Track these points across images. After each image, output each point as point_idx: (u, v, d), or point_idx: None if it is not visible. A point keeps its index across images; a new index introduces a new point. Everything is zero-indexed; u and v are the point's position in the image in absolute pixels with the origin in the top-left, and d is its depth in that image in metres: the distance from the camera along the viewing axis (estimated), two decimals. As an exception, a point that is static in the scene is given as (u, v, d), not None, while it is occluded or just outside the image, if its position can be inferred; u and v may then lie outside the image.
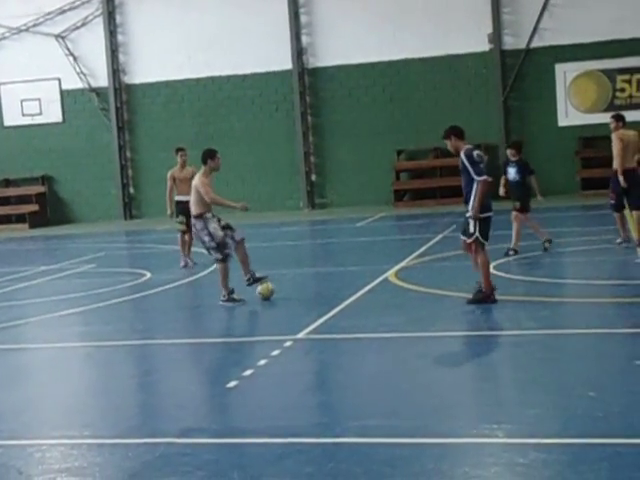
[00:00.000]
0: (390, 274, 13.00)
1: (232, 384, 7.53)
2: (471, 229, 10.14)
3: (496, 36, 26.86)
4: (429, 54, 27.22)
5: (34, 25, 29.36)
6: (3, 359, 9.66)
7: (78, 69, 29.32)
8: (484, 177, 10.04)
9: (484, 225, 10.17)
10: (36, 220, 29.15)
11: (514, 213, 14.32)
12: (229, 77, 28.56)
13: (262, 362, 8.20)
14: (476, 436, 5.93)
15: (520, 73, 26.93)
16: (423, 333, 9.20)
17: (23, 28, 29.40)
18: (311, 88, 28.34)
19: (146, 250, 19.73)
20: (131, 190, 29.53)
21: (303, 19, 28.15)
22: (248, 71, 28.29)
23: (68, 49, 29.25)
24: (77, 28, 29.32)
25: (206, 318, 11.26)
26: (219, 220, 11.63)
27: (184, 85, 28.82)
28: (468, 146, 10.35)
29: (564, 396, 6.67)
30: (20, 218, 29.40)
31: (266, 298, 11.53)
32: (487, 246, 10.33)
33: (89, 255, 17.87)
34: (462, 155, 10.20)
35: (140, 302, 12.45)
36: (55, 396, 7.93)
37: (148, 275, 14.70)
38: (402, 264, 14.06)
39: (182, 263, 15.50)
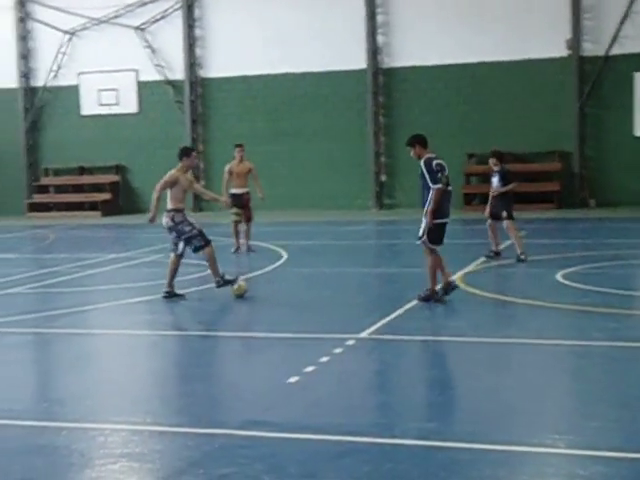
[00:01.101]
0: (456, 278, 12.91)
1: (293, 379, 7.57)
2: (420, 232, 10.91)
3: (575, 42, 26.48)
4: (505, 58, 26.94)
5: (115, 17, 29.84)
6: (70, 344, 9.86)
7: (156, 61, 29.72)
8: (438, 185, 10.75)
9: (437, 230, 10.87)
10: (109, 208, 29.64)
11: (506, 222, 14.63)
12: (304, 74, 28.65)
13: (324, 359, 8.23)
14: (536, 445, 5.87)
15: (598, 80, 26.50)
16: (485, 339, 9.14)
17: (104, 19, 29.92)
18: (384, 88, 28.29)
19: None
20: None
21: (379, 18, 28.10)
22: (323, 69, 28.35)
23: (147, 41, 29.66)
24: (156, 21, 29.71)
25: (269, 312, 11.33)
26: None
27: (259, 80, 28.99)
28: (430, 155, 11.03)
29: (628, 410, 6.57)
30: (93, 206, 29.92)
31: (240, 296, 11.86)
32: (438, 249, 10.98)
33: (159, 245, 18.11)
34: (422, 163, 10.93)
35: (206, 293, 12.58)
36: (119, 382, 8.07)
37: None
38: (469, 268, 13.96)
39: (234, 248, 16.83)
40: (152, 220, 12.37)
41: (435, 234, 10.90)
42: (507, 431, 6.18)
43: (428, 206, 10.82)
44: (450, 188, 11.15)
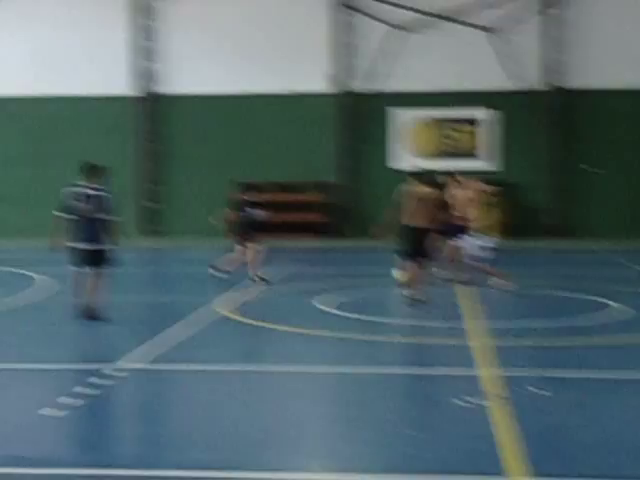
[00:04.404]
0: (221, 307, 12.86)
1: (47, 411, 7.19)
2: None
3: (335, 77, 27.39)
4: (273, 91, 27.45)
5: None
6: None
7: None
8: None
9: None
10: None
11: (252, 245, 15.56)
12: (67, 98, 27.87)
13: (79, 389, 7.88)
14: (295, 470, 5.87)
15: (358, 115, 27.52)
16: (242, 367, 9.12)
17: None
18: (154, 114, 28.01)
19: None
20: None
21: (147, 45, 27.86)
22: (88, 93, 27.70)
23: None
24: None
25: (18, 342, 10.76)
26: None
27: (15, 102, 27.90)
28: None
29: (383, 433, 6.72)
30: None
31: None
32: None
33: None
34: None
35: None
36: None
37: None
38: (228, 295, 13.94)
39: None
40: None
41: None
42: (266, 457, 6.14)
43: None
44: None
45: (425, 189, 13.20)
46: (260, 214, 16.01)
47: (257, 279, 15.53)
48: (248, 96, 27.51)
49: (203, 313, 12.30)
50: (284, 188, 27.47)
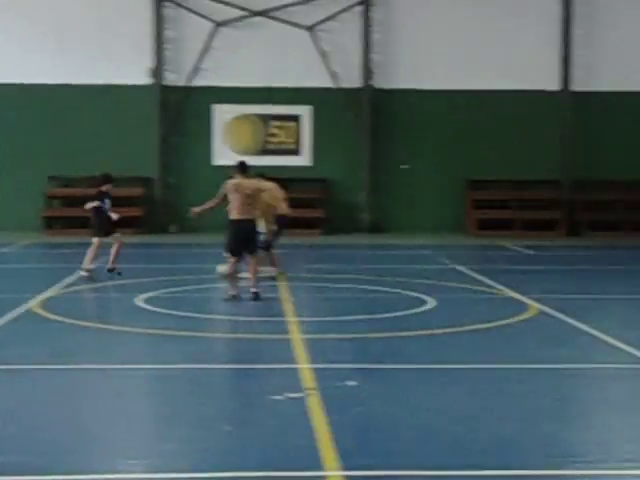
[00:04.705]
0: (34, 304, 12.51)
1: None
2: None
3: (157, 71, 27.08)
4: (90, 81, 26.80)
5: None
6: None
7: None
8: None
9: None
10: None
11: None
12: None
13: None
14: (111, 472, 5.82)
15: (180, 110, 27.32)
16: (64, 366, 8.93)
17: None
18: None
19: None
20: None
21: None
22: None
23: None
24: None
25: None
26: None
27: None
28: None
29: (202, 430, 6.75)
30: None
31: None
32: None
33: None
34: None
35: None
36: None
37: None
38: (48, 294, 13.60)
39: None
40: None
41: None
42: (83, 459, 6.05)
43: None
44: None
45: (254, 183, 13.30)
46: (112, 215, 15.60)
47: (87, 274, 15.27)
48: (66, 87, 26.75)
49: (12, 310, 11.92)
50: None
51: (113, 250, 15.66)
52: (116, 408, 7.44)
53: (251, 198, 13.04)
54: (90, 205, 15.65)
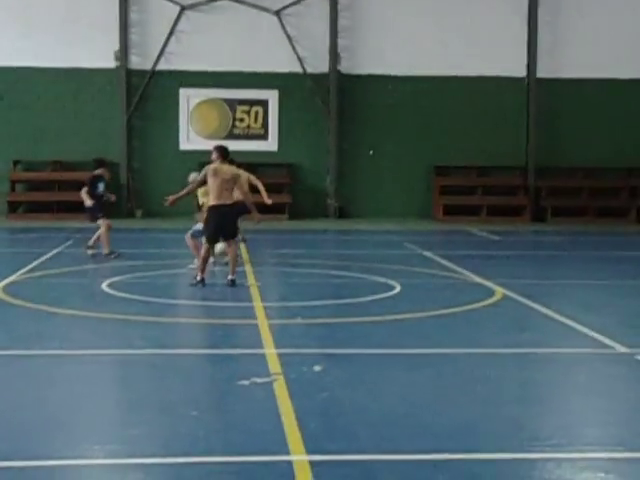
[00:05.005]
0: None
1: None
2: None
3: (122, 54, 26.85)
4: (55, 64, 26.52)
5: None
6: None
7: None
8: None
9: None
10: None
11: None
12: None
13: None
14: (76, 457, 5.79)
15: (145, 94, 27.14)
16: (29, 351, 8.86)
17: None
18: None
19: None
20: None
21: None
22: None
23: None
24: None
25: None
26: None
27: None
28: None
29: (168, 415, 6.74)
30: None
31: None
32: None
33: None
34: None
35: None
36: None
37: None
38: (11, 278, 13.49)
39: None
40: None
41: None
42: (46, 445, 6.02)
43: None
44: None
45: (232, 168, 13.14)
46: (109, 196, 16.54)
47: (112, 255, 15.98)
48: (31, 69, 26.46)
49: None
50: (66, 167, 26.69)
51: (99, 233, 16.11)
52: (80, 393, 7.40)
53: (229, 183, 12.92)
54: (84, 192, 16.20)
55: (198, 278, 12.96)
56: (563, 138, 28.10)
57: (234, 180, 13.01)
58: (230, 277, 13.05)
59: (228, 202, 12.91)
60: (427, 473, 5.61)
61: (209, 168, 12.97)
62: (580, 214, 27.30)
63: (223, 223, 12.97)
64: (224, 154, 13.09)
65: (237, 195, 13.62)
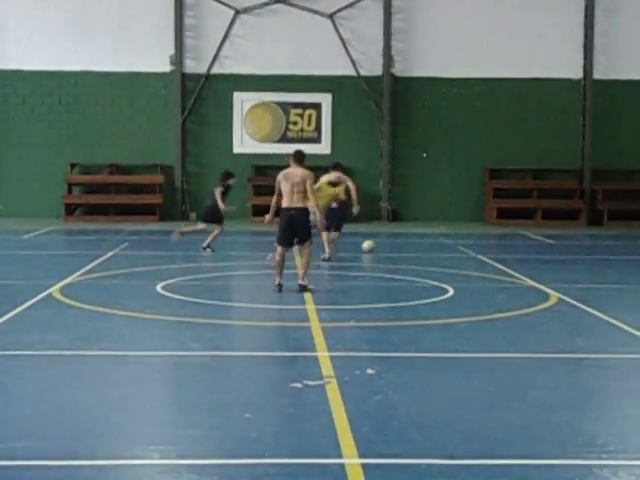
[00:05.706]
0: (55, 290, 12.59)
1: None
2: None
3: (178, 58, 27.10)
4: (111, 69, 26.87)
5: None
6: None
7: None
8: None
9: None
10: None
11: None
12: None
13: None
14: (131, 458, 5.86)
15: (200, 98, 27.34)
16: (85, 352, 8.98)
17: None
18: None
19: None
20: None
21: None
22: None
23: None
24: None
25: None
26: None
27: None
28: None
29: (220, 417, 6.78)
30: None
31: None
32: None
33: None
34: None
35: None
36: None
37: None
38: (68, 280, 13.68)
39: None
40: None
41: None
42: (102, 445, 6.09)
43: None
44: None
45: (302, 171, 12.99)
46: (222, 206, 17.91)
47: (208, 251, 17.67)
48: (87, 74, 26.82)
49: (34, 297, 12.00)
50: (122, 170, 27.03)
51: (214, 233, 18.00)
52: (135, 394, 7.48)
53: (300, 186, 12.84)
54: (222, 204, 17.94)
55: (276, 283, 12.90)
56: (619, 140, 27.70)
57: (304, 183, 12.87)
58: (300, 282, 12.98)
59: (299, 205, 12.80)
60: (480, 478, 5.56)
61: (280, 173, 12.97)
62: (637, 218, 26.87)
63: (294, 226, 12.94)
64: (296, 158, 13.07)
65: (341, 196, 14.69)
